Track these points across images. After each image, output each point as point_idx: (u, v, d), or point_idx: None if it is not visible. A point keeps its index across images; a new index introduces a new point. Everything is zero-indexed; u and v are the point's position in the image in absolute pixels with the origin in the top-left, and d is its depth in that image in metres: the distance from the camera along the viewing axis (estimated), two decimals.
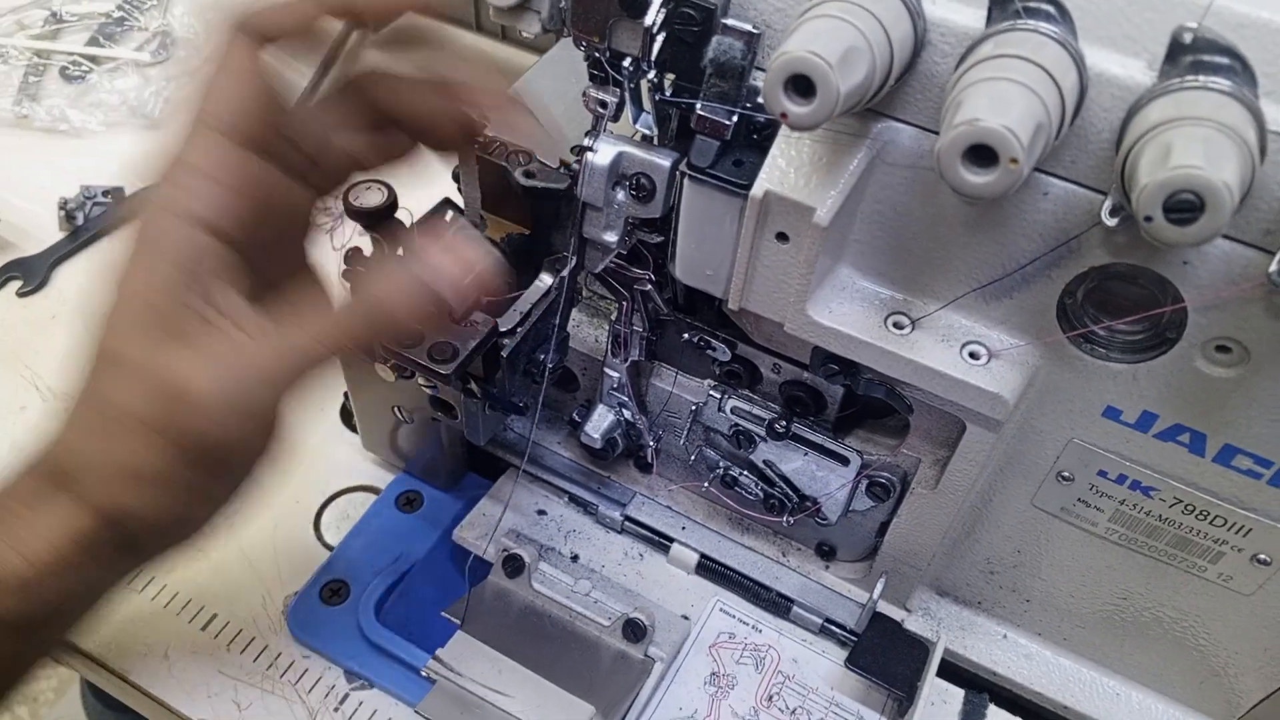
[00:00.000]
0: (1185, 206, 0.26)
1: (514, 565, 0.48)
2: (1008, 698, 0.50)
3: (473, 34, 0.83)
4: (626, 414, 0.51)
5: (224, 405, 0.32)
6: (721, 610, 0.50)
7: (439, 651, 0.46)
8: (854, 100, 0.30)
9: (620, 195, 0.41)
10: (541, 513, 0.54)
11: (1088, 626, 0.48)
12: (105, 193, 0.70)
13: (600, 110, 0.39)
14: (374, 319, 0.35)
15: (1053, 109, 0.29)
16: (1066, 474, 0.42)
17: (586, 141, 0.40)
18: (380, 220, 0.50)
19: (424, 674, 0.46)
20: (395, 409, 0.52)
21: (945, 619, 0.51)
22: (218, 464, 0.33)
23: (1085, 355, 0.37)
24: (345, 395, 0.57)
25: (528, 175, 0.49)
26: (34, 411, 0.60)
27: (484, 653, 0.46)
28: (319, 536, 0.54)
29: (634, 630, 0.46)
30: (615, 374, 0.50)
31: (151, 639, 0.50)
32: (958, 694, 0.49)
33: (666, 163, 0.39)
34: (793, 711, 0.47)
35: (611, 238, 0.42)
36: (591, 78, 0.40)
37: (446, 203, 0.56)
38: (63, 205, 0.68)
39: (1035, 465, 0.42)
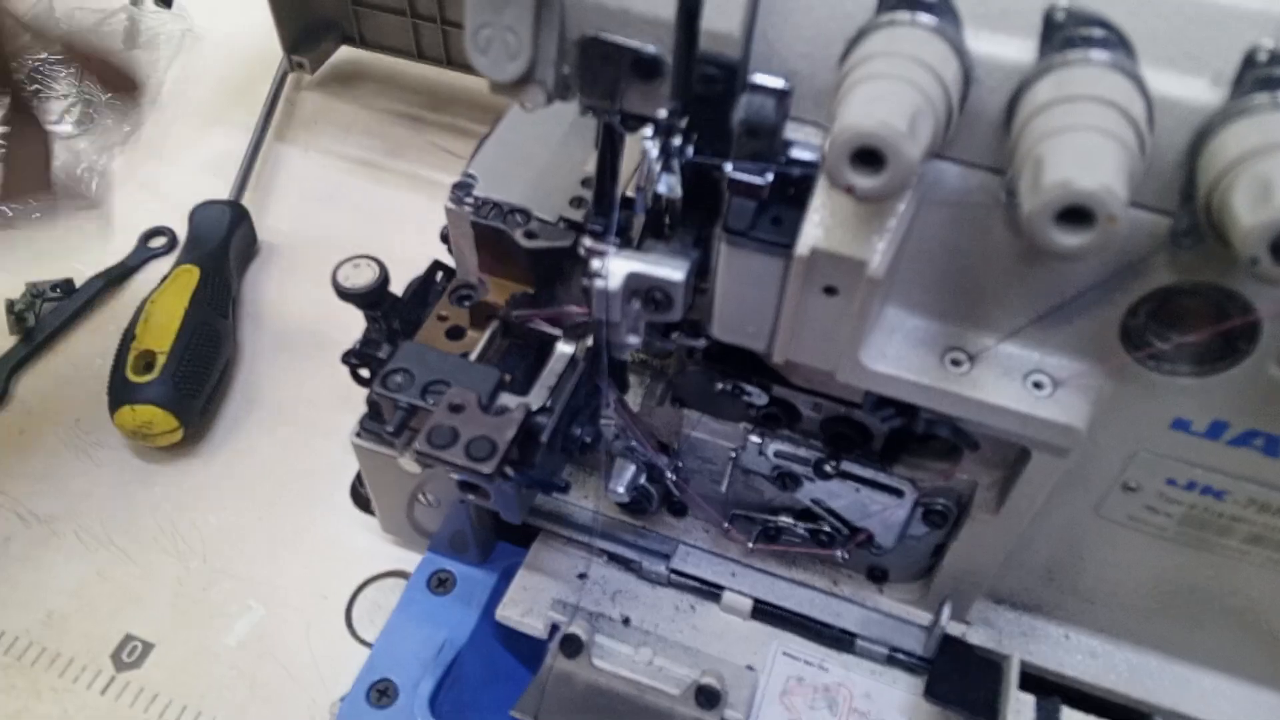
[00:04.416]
0: None
1: (572, 646, 0.46)
2: (1076, 695, 0.50)
3: (415, 62, 0.79)
4: (639, 455, 0.49)
5: None
6: (785, 655, 0.49)
7: None
8: (922, 161, 0.28)
9: (637, 304, 0.38)
10: (582, 576, 0.51)
11: (1153, 619, 0.47)
12: (54, 287, 0.65)
13: (598, 256, 0.36)
14: None
15: (1134, 149, 0.27)
16: (1133, 484, 0.41)
17: (595, 265, 0.36)
18: (375, 300, 0.47)
19: None
20: (419, 494, 0.49)
21: (1005, 626, 0.50)
22: None
23: (1151, 372, 0.36)
24: (357, 476, 0.54)
25: (529, 235, 0.46)
26: (19, 542, 0.56)
27: None
28: (353, 632, 0.52)
29: (707, 697, 0.45)
30: (610, 421, 0.47)
31: None
32: (1030, 701, 0.49)
33: (680, 276, 0.36)
34: None
35: (634, 340, 0.39)
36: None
37: (436, 265, 0.53)
38: (10, 308, 0.64)
39: (1100, 478, 0.41)
